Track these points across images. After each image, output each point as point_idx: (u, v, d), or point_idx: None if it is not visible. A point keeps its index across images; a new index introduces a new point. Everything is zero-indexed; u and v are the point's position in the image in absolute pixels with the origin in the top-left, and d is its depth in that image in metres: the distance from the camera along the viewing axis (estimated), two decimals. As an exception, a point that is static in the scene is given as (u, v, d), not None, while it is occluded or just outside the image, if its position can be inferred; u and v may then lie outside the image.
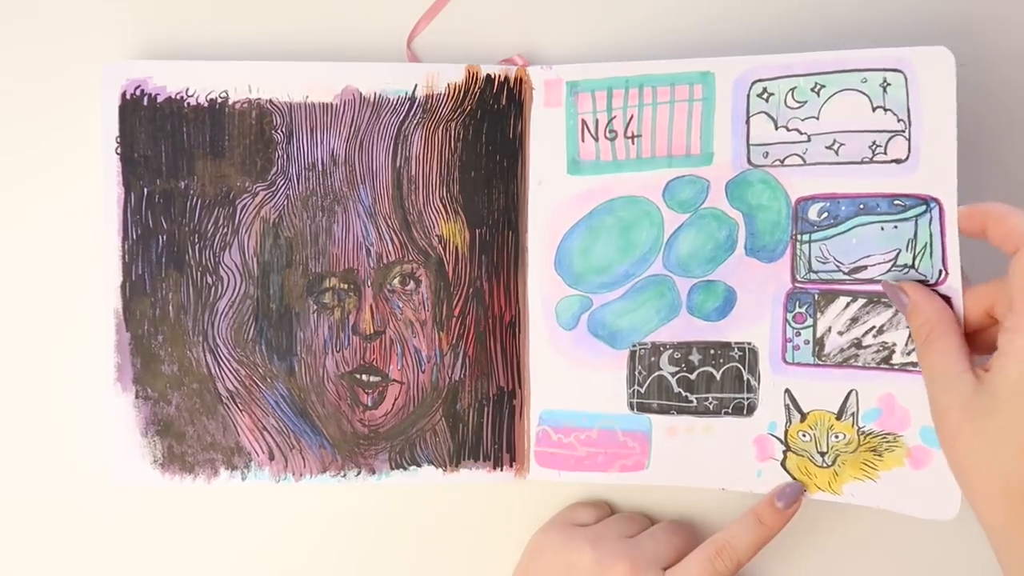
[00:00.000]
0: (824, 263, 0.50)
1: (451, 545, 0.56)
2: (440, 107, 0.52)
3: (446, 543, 0.56)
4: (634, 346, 0.52)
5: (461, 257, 0.53)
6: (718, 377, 0.52)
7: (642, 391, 0.52)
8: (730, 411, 0.52)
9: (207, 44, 0.55)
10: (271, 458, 0.53)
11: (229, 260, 0.53)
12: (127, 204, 0.52)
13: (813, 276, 0.50)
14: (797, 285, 0.51)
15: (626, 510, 0.55)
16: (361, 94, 0.52)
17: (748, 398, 0.52)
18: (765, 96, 0.50)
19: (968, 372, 0.44)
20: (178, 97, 0.52)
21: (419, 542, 0.56)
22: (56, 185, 0.55)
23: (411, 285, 0.53)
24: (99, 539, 0.56)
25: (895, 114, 0.49)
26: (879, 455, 0.50)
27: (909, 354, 0.49)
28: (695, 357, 0.52)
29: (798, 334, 0.51)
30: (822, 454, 0.51)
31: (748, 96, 0.50)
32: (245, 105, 0.52)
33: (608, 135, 0.52)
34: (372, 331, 0.53)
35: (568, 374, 0.53)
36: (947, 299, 0.47)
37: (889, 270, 0.49)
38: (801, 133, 0.50)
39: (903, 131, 0.49)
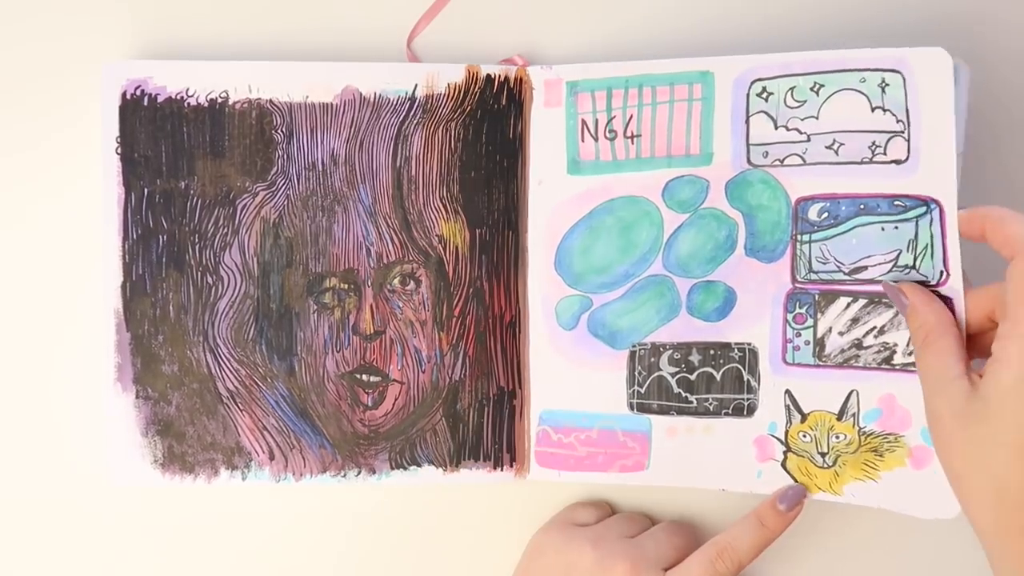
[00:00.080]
0: (824, 263, 0.50)
1: (451, 545, 0.56)
2: (440, 107, 0.52)
3: (446, 543, 0.56)
4: (634, 346, 0.52)
5: (461, 257, 0.53)
6: (718, 378, 0.52)
7: (642, 391, 0.52)
8: (730, 412, 0.52)
9: (207, 44, 0.55)
10: (271, 458, 0.53)
11: (229, 260, 0.53)
12: (127, 204, 0.52)
13: (813, 276, 0.50)
14: (797, 285, 0.51)
15: (626, 510, 0.55)
16: (361, 94, 0.52)
17: (748, 399, 0.51)
18: (764, 95, 0.50)
19: (963, 377, 0.43)
20: (178, 97, 0.52)
21: (419, 542, 0.56)
22: (56, 185, 0.55)
23: (411, 285, 0.53)
24: (99, 539, 0.56)
25: (894, 115, 0.48)
26: (880, 455, 0.50)
27: (910, 354, 0.49)
28: (695, 357, 0.52)
29: (798, 334, 0.51)
30: (823, 455, 0.51)
31: (748, 95, 0.50)
32: (245, 105, 0.52)
33: (608, 135, 0.52)
34: (372, 331, 0.53)
35: (568, 374, 0.53)
36: (948, 301, 0.47)
37: (890, 271, 0.49)
38: (801, 133, 0.50)
39: (902, 132, 0.48)
